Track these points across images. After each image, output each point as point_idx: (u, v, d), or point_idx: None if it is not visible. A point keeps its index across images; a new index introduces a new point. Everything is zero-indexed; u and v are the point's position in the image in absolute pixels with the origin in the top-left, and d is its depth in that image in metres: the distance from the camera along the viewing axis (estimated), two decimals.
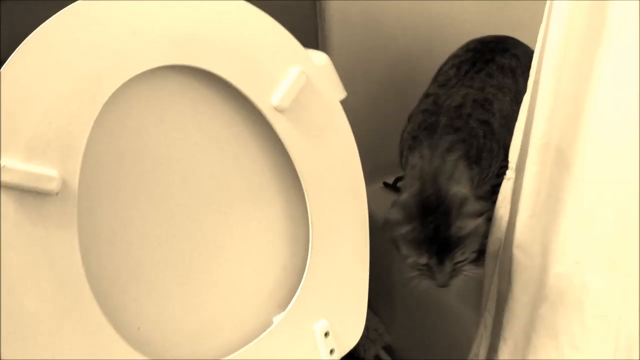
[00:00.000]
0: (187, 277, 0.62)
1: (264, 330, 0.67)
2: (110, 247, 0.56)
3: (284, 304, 0.69)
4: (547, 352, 0.86)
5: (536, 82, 0.76)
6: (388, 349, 1.11)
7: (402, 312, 1.14)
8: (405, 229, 0.76)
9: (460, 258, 0.79)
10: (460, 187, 0.79)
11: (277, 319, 0.68)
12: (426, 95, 0.94)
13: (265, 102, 0.63)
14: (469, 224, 0.77)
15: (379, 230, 0.80)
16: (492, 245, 0.87)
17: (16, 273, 0.49)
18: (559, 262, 0.81)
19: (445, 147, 0.82)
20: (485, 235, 0.83)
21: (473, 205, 0.78)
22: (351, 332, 0.73)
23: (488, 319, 0.90)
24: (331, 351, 0.71)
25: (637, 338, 0.71)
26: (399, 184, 1.19)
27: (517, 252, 0.83)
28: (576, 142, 0.76)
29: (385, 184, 1.20)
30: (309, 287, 0.69)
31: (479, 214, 0.78)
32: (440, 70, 1.01)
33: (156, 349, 0.59)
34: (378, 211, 0.83)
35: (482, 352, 0.92)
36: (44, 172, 0.49)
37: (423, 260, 0.78)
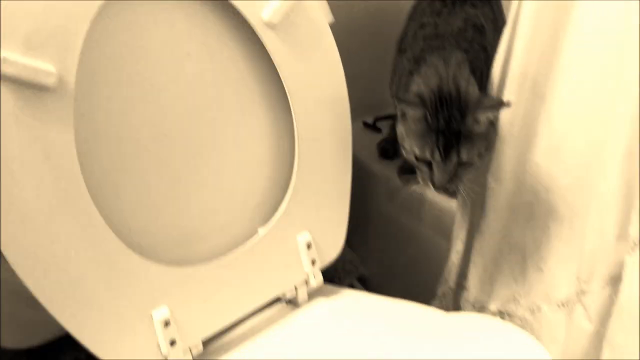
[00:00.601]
0: (176, 181, 0.65)
1: (249, 240, 0.70)
2: (104, 146, 0.58)
3: (268, 216, 0.72)
4: (513, 274, 0.91)
5: (517, 15, 0.79)
6: (362, 279, 1.15)
7: (376, 245, 1.18)
8: (416, 115, 0.75)
9: (465, 157, 0.76)
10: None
11: (262, 230, 0.71)
12: (421, 25, 0.93)
13: (256, 16, 0.65)
14: (482, 121, 0.76)
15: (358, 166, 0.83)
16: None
17: (14, 163, 0.51)
18: (530, 190, 0.86)
19: (459, 61, 0.81)
20: (491, 143, 0.83)
21: (490, 101, 0.78)
22: (332, 246, 0.77)
23: (459, 245, 0.95)
24: (313, 262, 0.74)
25: (599, 258, 0.76)
26: (377, 124, 1.22)
27: (491, 180, 0.87)
28: (551, 73, 0.79)
29: (365, 124, 1.23)
30: (294, 199, 0.72)
31: (494, 112, 0.77)
32: (417, 6, 1.01)
33: (146, 251, 0.61)
34: (358, 152, 0.85)
35: (452, 278, 0.97)
36: (42, 66, 0.51)
37: (427, 153, 0.75)
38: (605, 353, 0.76)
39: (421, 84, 0.78)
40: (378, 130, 1.20)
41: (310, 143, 0.72)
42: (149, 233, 0.63)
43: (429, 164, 0.77)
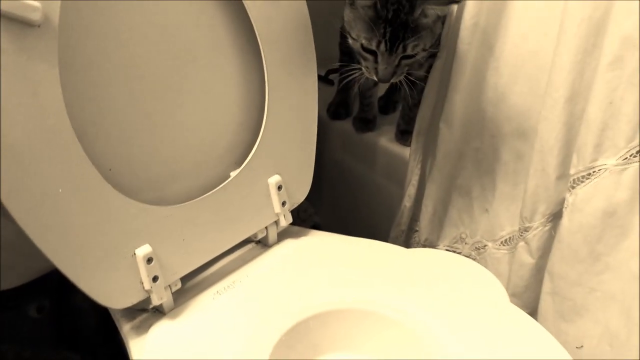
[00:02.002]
0: (151, 123, 0.66)
1: (222, 183, 0.72)
2: (86, 85, 0.59)
3: (240, 160, 0.74)
4: (461, 215, 0.98)
5: None
6: (316, 227, 1.19)
7: (329, 194, 1.22)
8: (366, 2, 0.75)
9: (410, 49, 0.77)
10: None
11: (233, 173, 0.74)
12: None
13: None
14: (430, 14, 0.77)
15: None
16: (421, 121, 0.96)
17: (3, 99, 0.51)
18: (478, 137, 0.92)
19: None
20: (438, 39, 0.84)
21: None
22: (300, 188, 0.80)
23: (412, 190, 1.01)
24: (283, 203, 0.78)
25: (541, 197, 0.83)
26: (330, 77, 1.25)
27: (442, 127, 0.92)
28: (500, 25, 0.85)
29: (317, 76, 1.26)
30: (264, 143, 0.74)
31: (443, 8, 0.78)
32: None
33: (126, 191, 0.62)
34: None
35: (405, 221, 1.03)
36: (29, 1, 0.51)
37: (373, 43, 0.76)
38: (546, 283, 0.84)
39: None
40: (330, 82, 1.24)
41: (279, 88, 0.74)
42: (127, 174, 0.64)
43: (375, 54, 0.78)
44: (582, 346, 0.80)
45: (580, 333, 0.81)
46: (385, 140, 1.07)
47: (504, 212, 0.93)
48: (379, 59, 0.79)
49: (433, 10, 0.77)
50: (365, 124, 1.10)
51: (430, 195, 0.98)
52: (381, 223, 1.10)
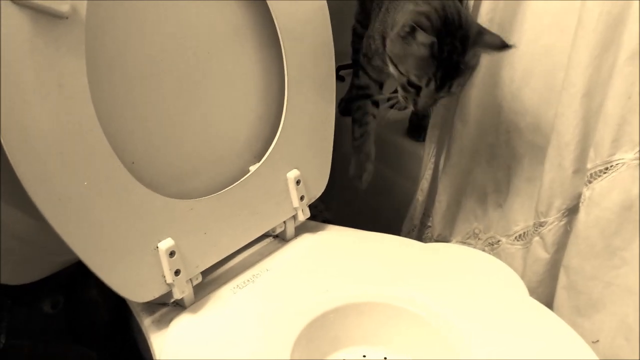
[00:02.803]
0: (173, 117, 0.66)
1: (242, 177, 0.72)
2: (109, 79, 0.59)
3: (259, 155, 0.75)
4: (474, 211, 0.98)
5: None
6: (327, 223, 1.19)
7: (340, 190, 1.22)
8: (425, 40, 0.72)
9: (455, 89, 0.77)
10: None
11: (253, 168, 0.74)
12: None
13: None
14: (478, 55, 0.76)
15: None
16: (435, 116, 0.97)
17: (29, 91, 0.51)
18: (492, 132, 0.92)
19: None
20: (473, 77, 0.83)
21: (492, 37, 0.76)
22: (318, 182, 0.80)
23: (425, 185, 1.01)
24: (301, 198, 0.78)
25: (557, 192, 0.83)
26: (340, 73, 1.25)
27: (457, 122, 0.93)
28: (515, 20, 0.85)
29: None
30: (283, 138, 0.75)
31: (495, 51, 0.77)
32: None
33: (149, 185, 0.62)
34: None
35: (417, 216, 1.03)
36: None
37: (423, 81, 0.75)
38: (561, 277, 0.85)
39: (419, 2, 0.75)
40: (341, 78, 1.24)
41: (299, 84, 0.75)
42: (149, 168, 0.64)
43: (419, 88, 0.77)
44: (598, 340, 0.80)
45: (596, 327, 0.81)
46: (397, 135, 1.07)
47: (518, 207, 0.93)
48: (423, 93, 0.77)
49: (481, 53, 0.77)
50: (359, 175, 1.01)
51: (444, 190, 0.98)
52: (392, 219, 1.10)
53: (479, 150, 0.94)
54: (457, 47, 0.73)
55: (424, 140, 1.01)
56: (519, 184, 0.92)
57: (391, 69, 0.79)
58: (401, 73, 0.77)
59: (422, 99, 0.77)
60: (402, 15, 0.77)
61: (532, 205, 0.89)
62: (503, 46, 0.75)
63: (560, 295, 0.85)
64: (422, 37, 0.72)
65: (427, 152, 0.99)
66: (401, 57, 0.76)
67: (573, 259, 0.82)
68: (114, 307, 0.96)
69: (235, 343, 0.64)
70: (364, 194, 1.18)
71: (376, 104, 0.93)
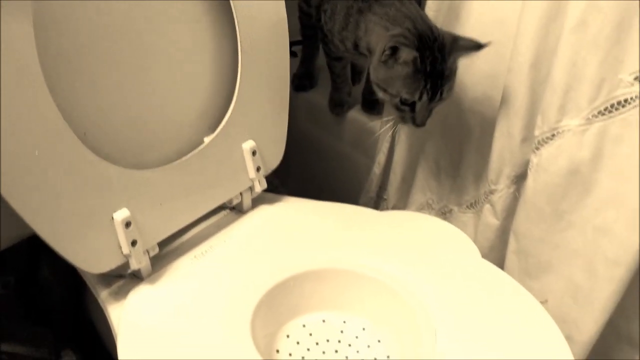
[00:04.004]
0: (124, 87, 0.65)
1: (197, 148, 0.72)
2: (59, 47, 0.58)
3: (214, 126, 0.74)
4: (428, 182, 1.00)
5: None
6: None
7: (296, 166, 1.22)
8: (408, 57, 0.74)
9: (445, 95, 0.79)
10: None
11: (208, 139, 0.73)
12: None
13: None
14: (457, 59, 0.79)
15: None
16: None
17: None
18: (444, 105, 0.93)
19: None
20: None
21: (466, 41, 0.78)
22: (274, 153, 0.80)
23: (382, 158, 1.02)
24: (257, 169, 0.78)
25: (506, 160, 0.86)
26: (293, 49, 1.25)
27: None
28: None
29: None
30: (237, 109, 0.74)
31: (472, 53, 0.79)
32: None
33: (102, 155, 0.61)
34: None
35: (374, 189, 1.05)
36: None
37: (416, 95, 0.77)
38: (511, 242, 0.87)
39: (389, 25, 0.79)
40: (293, 54, 1.23)
41: (252, 55, 0.74)
42: (102, 138, 0.63)
43: (412, 104, 0.79)
44: (546, 300, 0.84)
45: (544, 288, 0.84)
46: (351, 110, 1.08)
47: (469, 177, 0.95)
48: (418, 108, 0.79)
49: (459, 56, 0.79)
50: (342, 105, 1.09)
51: (398, 162, 1.00)
52: (348, 193, 1.11)
53: (432, 123, 0.95)
54: (438, 57, 0.76)
55: (379, 113, 1.02)
56: (470, 154, 0.95)
57: (381, 94, 0.81)
58: (392, 95, 0.79)
59: (419, 113, 0.79)
60: (376, 40, 0.79)
61: (483, 174, 0.91)
62: (478, 47, 0.78)
63: (510, 259, 0.88)
64: (405, 53, 0.75)
65: (383, 126, 1.00)
66: (388, 81, 0.79)
67: (522, 224, 0.85)
68: (67, 286, 0.95)
69: (194, 313, 0.64)
70: (319, 169, 1.20)
71: None
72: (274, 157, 0.80)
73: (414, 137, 0.97)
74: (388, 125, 0.86)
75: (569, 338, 0.81)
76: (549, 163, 0.79)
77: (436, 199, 1.01)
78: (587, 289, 0.81)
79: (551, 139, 0.78)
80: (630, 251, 0.75)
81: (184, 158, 0.70)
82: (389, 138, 1.00)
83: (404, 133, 0.97)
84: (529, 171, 0.82)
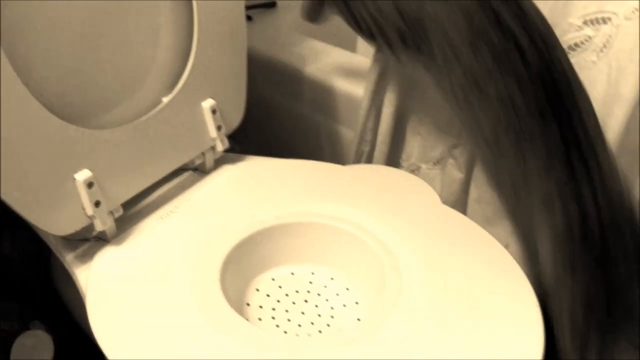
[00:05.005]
0: (79, 46, 0.64)
1: (155, 108, 0.71)
2: (12, 4, 0.56)
3: (172, 85, 0.74)
4: (395, 141, 1.00)
5: None
6: None
7: (255, 131, 1.21)
8: None
9: None
10: None
11: (166, 98, 0.73)
12: None
13: None
14: None
15: None
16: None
17: None
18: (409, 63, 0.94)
19: None
20: None
21: None
22: (235, 112, 0.80)
23: (368, 135, 1.01)
24: (219, 128, 0.78)
25: None
26: (249, 13, 1.24)
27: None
28: None
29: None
30: (195, 68, 0.74)
31: None
32: None
33: (60, 116, 0.60)
34: None
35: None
36: None
37: None
38: (472, 191, 0.90)
39: None
40: (249, 18, 1.22)
41: (207, 13, 0.73)
42: (59, 98, 0.62)
43: None
44: (507, 245, 0.86)
45: (505, 233, 0.86)
46: (310, 69, 1.07)
47: (434, 133, 0.96)
48: None
49: None
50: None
51: (384, 131, 0.99)
52: (309, 155, 1.11)
53: (397, 81, 0.96)
54: None
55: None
56: (435, 111, 0.95)
57: None
58: None
59: None
60: None
61: (447, 130, 0.92)
62: None
63: (472, 207, 0.90)
64: None
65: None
66: None
67: (481, 172, 0.87)
68: (30, 259, 0.94)
69: (162, 272, 0.64)
70: (279, 132, 1.19)
71: None
72: (235, 115, 0.80)
73: (399, 101, 0.96)
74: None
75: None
76: None
77: (404, 157, 1.02)
78: None
79: None
80: None
81: (142, 118, 0.70)
82: (369, 107, 1.00)
83: (389, 98, 0.97)
84: None
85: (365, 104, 0.99)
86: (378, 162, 1.01)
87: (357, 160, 1.04)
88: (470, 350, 0.56)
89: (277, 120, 1.17)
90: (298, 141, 1.16)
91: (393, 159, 1.02)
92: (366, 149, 1.03)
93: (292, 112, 1.14)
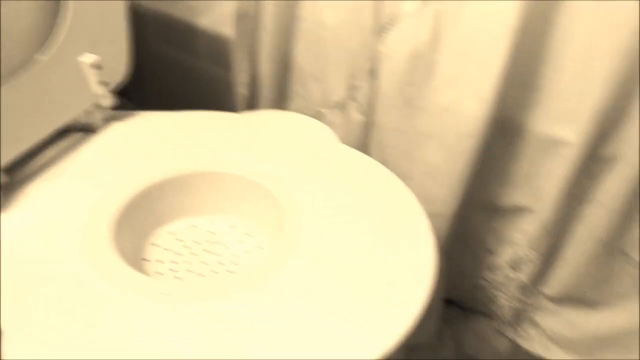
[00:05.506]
0: None
1: (30, 67, 0.67)
2: None
3: (46, 42, 0.69)
4: (296, 89, 1.00)
5: None
6: None
7: (152, 90, 1.17)
8: None
9: None
10: None
11: (40, 56, 0.69)
12: None
13: None
14: None
15: None
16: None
17: None
18: (302, 6, 0.93)
19: None
20: None
21: None
22: (118, 66, 0.77)
23: (243, 77, 1.00)
24: (101, 84, 0.74)
25: (360, 54, 0.87)
26: None
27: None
28: None
29: None
30: (69, 22, 0.70)
31: None
32: None
33: None
34: None
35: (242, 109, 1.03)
36: None
37: None
38: (373, 134, 0.91)
39: None
40: None
41: None
42: None
43: None
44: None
45: (407, 172, 0.88)
46: (203, 21, 1.04)
47: (333, 77, 0.96)
48: None
49: None
50: None
51: (264, 76, 0.98)
52: (209, 108, 1.08)
53: (289, 27, 0.94)
54: None
55: None
56: (331, 54, 0.95)
57: None
58: None
59: None
60: None
61: (344, 72, 0.92)
62: None
63: (374, 151, 0.91)
64: None
65: (238, 43, 0.98)
66: None
67: (379, 115, 0.88)
68: None
69: (54, 235, 0.61)
70: (177, 89, 1.16)
71: None
72: (118, 70, 0.77)
73: (274, 46, 0.95)
74: None
75: (435, 214, 0.86)
76: (393, 50, 0.81)
77: (305, 103, 1.01)
78: (444, 167, 0.85)
79: (393, 25, 0.81)
80: (478, 122, 0.80)
81: (17, 77, 0.66)
82: (247, 55, 0.98)
83: (261, 41, 0.95)
84: (380, 63, 0.85)
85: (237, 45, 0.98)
86: (267, 107, 1.01)
87: (245, 107, 1.03)
88: (367, 289, 0.57)
89: (174, 76, 1.14)
90: (197, 95, 1.13)
91: (294, 109, 1.02)
92: (245, 92, 1.02)
93: (188, 65, 1.10)
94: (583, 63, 0.74)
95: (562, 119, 0.79)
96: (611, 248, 0.82)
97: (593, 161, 0.79)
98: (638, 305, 0.85)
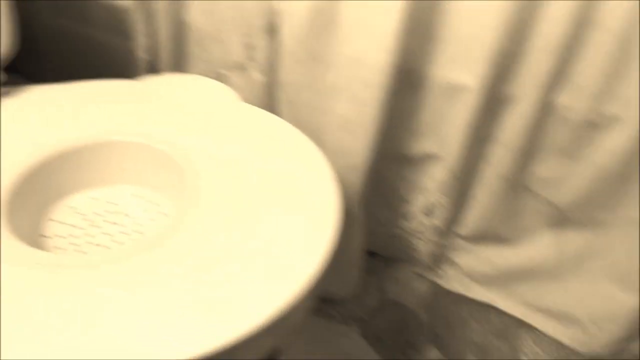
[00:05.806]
0: None
1: None
2: None
3: None
4: (197, 52, 0.98)
5: None
6: None
7: (51, 66, 1.13)
8: None
9: None
10: None
11: None
12: None
13: None
14: None
15: None
16: None
17: None
18: None
19: None
20: None
21: None
22: (5, 42, 0.73)
23: (143, 40, 0.97)
24: None
25: (255, 14, 0.86)
26: None
27: None
28: None
29: None
30: None
31: None
32: None
33: None
34: None
35: (142, 73, 1.01)
36: None
37: None
38: (280, 94, 0.90)
39: None
40: None
41: None
42: None
43: None
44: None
45: (320, 127, 0.88)
46: None
47: (230, 37, 0.95)
48: None
49: None
50: None
51: (162, 36, 0.96)
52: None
53: None
54: None
55: None
56: (226, 13, 0.93)
57: None
58: None
59: None
60: None
61: (241, 32, 0.91)
62: None
63: (283, 110, 0.91)
64: None
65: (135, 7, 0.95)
66: None
67: (284, 73, 0.87)
68: None
69: None
70: (77, 63, 1.12)
71: None
72: (7, 44, 0.73)
73: (171, 7, 0.93)
74: None
75: (351, 167, 0.87)
76: (292, 5, 0.81)
77: (206, 66, 1.00)
78: (355, 119, 0.85)
79: None
80: (383, 72, 0.80)
81: None
82: (144, 19, 0.95)
83: (159, 6, 0.93)
84: (279, 19, 0.84)
85: (134, 9, 0.96)
86: (169, 72, 0.99)
87: (147, 73, 1.01)
88: (268, 247, 0.56)
89: (73, 49, 1.10)
90: (98, 66, 1.09)
91: (196, 72, 1.00)
92: (146, 56, 1.00)
93: (85, 37, 1.06)
94: (476, 7, 0.75)
95: (461, 65, 0.80)
96: (515, 185, 0.85)
97: (493, 103, 0.81)
98: (545, 238, 0.89)
